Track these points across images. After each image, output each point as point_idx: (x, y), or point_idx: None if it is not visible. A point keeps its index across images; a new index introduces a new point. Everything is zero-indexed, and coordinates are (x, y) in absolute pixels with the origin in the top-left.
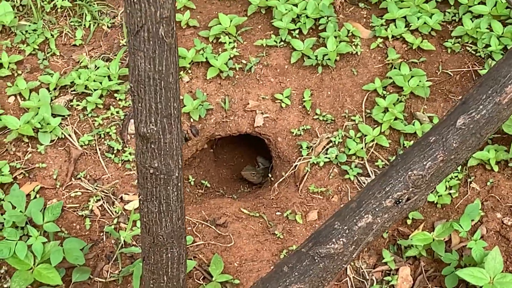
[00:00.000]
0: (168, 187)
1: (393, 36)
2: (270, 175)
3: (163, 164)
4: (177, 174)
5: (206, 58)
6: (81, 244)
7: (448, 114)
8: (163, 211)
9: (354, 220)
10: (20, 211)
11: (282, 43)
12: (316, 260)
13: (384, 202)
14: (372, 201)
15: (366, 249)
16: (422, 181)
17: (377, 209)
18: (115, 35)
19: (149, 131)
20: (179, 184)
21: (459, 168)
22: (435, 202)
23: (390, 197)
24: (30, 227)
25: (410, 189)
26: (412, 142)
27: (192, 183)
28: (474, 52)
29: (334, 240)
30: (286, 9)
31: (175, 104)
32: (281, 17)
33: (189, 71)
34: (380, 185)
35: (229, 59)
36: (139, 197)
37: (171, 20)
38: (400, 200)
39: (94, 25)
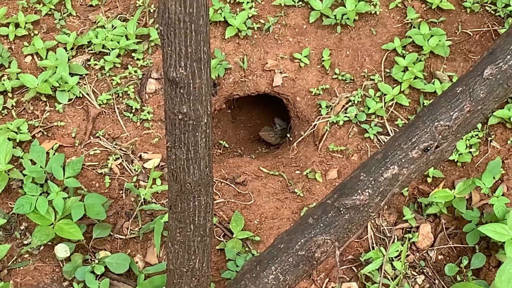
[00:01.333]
0: (197, 134)
1: None
2: (288, 135)
3: (192, 109)
4: (205, 120)
5: (224, 17)
6: (102, 200)
7: (475, 64)
8: (191, 158)
9: (380, 171)
10: (41, 167)
11: (300, 2)
12: (342, 212)
13: (410, 153)
14: (398, 152)
15: (386, 206)
16: (449, 131)
17: (403, 160)
18: None
19: (178, 75)
20: (208, 131)
21: (479, 126)
22: (456, 160)
23: (417, 148)
24: (51, 183)
25: (437, 140)
26: (431, 101)
27: None
28: (493, 12)
29: (359, 191)
30: None
31: (205, 48)
32: None
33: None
34: (407, 136)
35: (247, 19)
36: (166, 144)
37: None
38: (429, 148)
39: None
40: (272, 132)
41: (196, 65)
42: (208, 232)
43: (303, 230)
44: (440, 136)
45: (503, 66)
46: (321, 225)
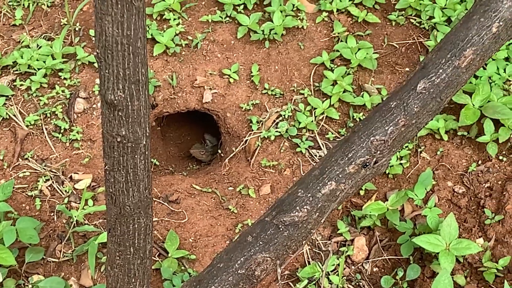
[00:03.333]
0: (136, 156)
1: (337, 10)
2: (219, 151)
3: (131, 132)
4: (144, 142)
5: (152, 34)
6: (34, 223)
7: (408, 79)
8: (130, 181)
9: (318, 187)
10: None
11: (227, 18)
12: (281, 229)
13: (347, 168)
14: (335, 168)
15: None
16: (385, 146)
17: (340, 176)
18: (55, 14)
19: (116, 98)
20: (147, 153)
21: None
22: (387, 172)
23: (353, 163)
24: None
25: (373, 155)
26: (361, 114)
27: None
28: (418, 24)
29: (298, 208)
30: None
31: (143, 70)
32: None
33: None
34: (343, 152)
35: (175, 35)
36: (104, 166)
37: None
38: (367, 164)
39: (33, 5)
40: (203, 149)
41: (134, 87)
42: (148, 254)
43: (242, 249)
44: (377, 151)
45: (435, 80)
46: (260, 243)
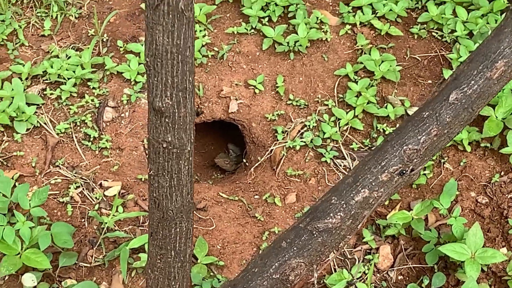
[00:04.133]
0: (180, 161)
1: (361, 23)
2: (244, 161)
3: (177, 138)
4: (189, 148)
5: None
6: (69, 228)
7: (440, 89)
8: (174, 185)
9: (351, 195)
10: (5, 197)
11: (252, 30)
12: (315, 235)
13: (380, 176)
14: (368, 176)
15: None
16: (417, 155)
17: (373, 184)
18: (82, 25)
19: (164, 105)
20: (190, 159)
21: None
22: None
23: (386, 171)
24: (17, 212)
25: (405, 163)
26: (385, 125)
27: None
28: (440, 38)
29: (331, 214)
30: None
31: (190, 78)
32: (250, 5)
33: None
34: (376, 160)
35: (201, 47)
36: (149, 172)
37: None
38: (404, 172)
39: (61, 16)
40: (227, 159)
41: (182, 95)
42: (188, 258)
43: (276, 254)
44: (409, 160)
45: (467, 91)
46: (295, 248)
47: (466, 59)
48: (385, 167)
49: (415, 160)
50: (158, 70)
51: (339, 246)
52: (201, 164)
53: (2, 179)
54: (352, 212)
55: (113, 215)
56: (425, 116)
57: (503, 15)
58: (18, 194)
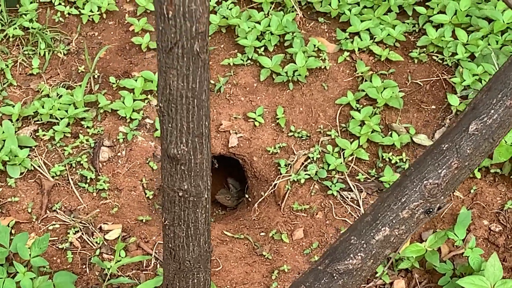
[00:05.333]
0: (197, 210)
1: (359, 49)
2: (247, 196)
3: (193, 186)
4: (206, 196)
5: None
6: (72, 278)
7: (458, 120)
8: (191, 235)
9: (371, 234)
10: (3, 247)
11: (248, 61)
12: (335, 277)
13: (401, 213)
14: (388, 213)
15: None
16: (438, 189)
17: (394, 221)
18: (72, 62)
19: (179, 152)
20: (208, 206)
21: None
22: None
23: (407, 207)
24: (17, 263)
25: (426, 199)
26: (390, 153)
27: None
28: (441, 61)
29: (352, 255)
30: (249, 27)
31: (206, 123)
32: (245, 35)
33: (157, 94)
34: (395, 196)
35: None
36: (164, 222)
37: (206, 35)
38: (431, 210)
39: (49, 53)
40: (228, 195)
41: (198, 141)
42: None
43: None
44: (430, 195)
45: (487, 120)
46: None
47: (484, 87)
48: (406, 204)
49: (437, 194)
50: (173, 115)
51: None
52: None
53: (0, 229)
54: (373, 252)
55: (116, 260)
56: (444, 148)
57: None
58: (17, 244)
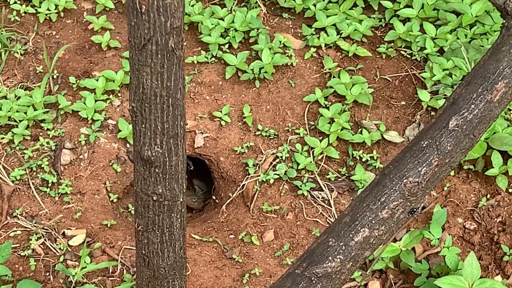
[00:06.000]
0: (172, 214)
1: (326, 45)
2: (214, 197)
3: (168, 189)
4: (181, 199)
5: None
6: (36, 286)
7: (437, 116)
8: (166, 241)
9: (350, 235)
10: None
11: (213, 58)
12: (313, 281)
13: (380, 213)
14: (367, 214)
15: None
16: (419, 188)
17: (373, 222)
18: (29, 62)
19: (154, 154)
20: (183, 210)
21: None
22: None
23: (387, 207)
24: None
25: (407, 198)
26: (361, 151)
27: (133, 212)
28: (409, 56)
29: (330, 258)
30: (212, 24)
31: (181, 123)
32: (208, 32)
33: (119, 94)
34: (374, 196)
35: None
36: (137, 227)
37: (181, 30)
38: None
39: (5, 53)
40: (194, 197)
41: (173, 142)
42: None
43: None
44: (410, 194)
45: (468, 116)
46: None
47: (463, 82)
48: (385, 203)
49: (417, 193)
50: (146, 116)
51: None
52: None
53: None
54: (353, 254)
55: (82, 267)
56: (424, 145)
57: (496, 37)
58: None
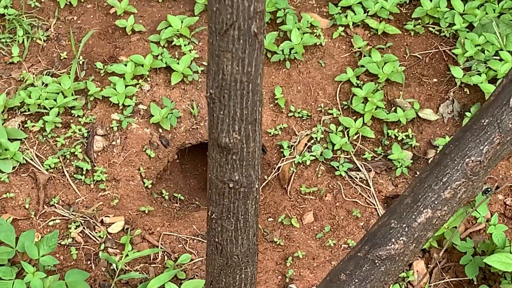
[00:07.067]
0: (248, 201)
1: (354, 23)
2: None
3: (245, 176)
4: (257, 186)
5: (166, 63)
6: (84, 275)
7: (496, 93)
8: (240, 228)
9: (413, 216)
10: (9, 247)
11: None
12: (377, 264)
13: (443, 193)
14: (429, 194)
15: None
16: (480, 167)
17: (436, 202)
18: (52, 48)
19: (232, 140)
20: (257, 197)
21: None
22: None
23: (449, 187)
24: (25, 263)
25: (469, 177)
26: (396, 130)
27: (167, 197)
28: (438, 33)
29: (393, 240)
30: None
31: (260, 108)
32: None
33: (148, 79)
34: (436, 176)
35: (191, 62)
36: (211, 215)
37: (264, 14)
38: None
39: (27, 40)
40: None
41: (251, 128)
42: None
43: None
44: (473, 173)
45: None
46: (356, 280)
47: None
48: (447, 183)
49: (479, 172)
50: (225, 102)
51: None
52: (197, 187)
53: (4, 227)
54: (416, 235)
55: (125, 255)
56: (485, 123)
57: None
58: (24, 243)
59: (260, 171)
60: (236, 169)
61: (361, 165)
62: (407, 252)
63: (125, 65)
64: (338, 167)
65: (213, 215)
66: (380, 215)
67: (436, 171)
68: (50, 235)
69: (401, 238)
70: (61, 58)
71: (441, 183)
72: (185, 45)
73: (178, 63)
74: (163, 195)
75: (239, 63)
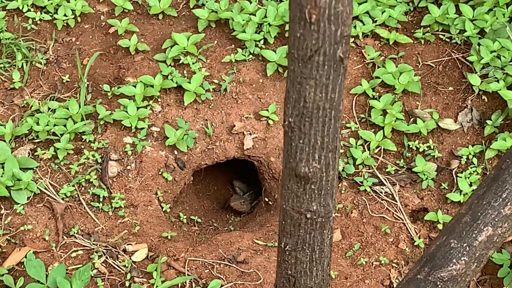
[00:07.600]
0: (324, 231)
1: (363, 33)
2: (266, 199)
3: (322, 205)
4: (333, 215)
5: (177, 82)
6: None
7: None
8: (315, 259)
9: (473, 235)
10: (40, 283)
11: (250, 56)
12: (439, 286)
13: (503, 210)
14: (489, 211)
15: (406, 260)
16: None
17: (496, 219)
18: (53, 71)
19: (311, 170)
20: (332, 225)
21: (475, 161)
22: (461, 201)
23: (509, 203)
24: None
25: None
26: (416, 142)
27: (185, 220)
28: (448, 40)
29: (454, 260)
30: (243, 19)
31: (339, 135)
32: (242, 28)
33: (159, 100)
34: (494, 192)
35: (203, 81)
36: (284, 247)
37: (349, 38)
38: None
39: (27, 64)
40: (242, 200)
41: (331, 156)
42: None
43: None
44: None
45: None
46: None
47: None
48: (507, 199)
49: None
50: (306, 131)
51: None
52: (211, 208)
53: (34, 263)
54: (477, 254)
55: (156, 285)
56: None
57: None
58: (56, 279)
59: (336, 200)
60: (314, 199)
61: (385, 179)
62: (469, 272)
63: (134, 86)
64: (362, 182)
65: (287, 246)
66: (411, 231)
67: (494, 187)
68: (83, 268)
69: (462, 258)
70: (64, 81)
71: (501, 200)
72: (193, 63)
73: (189, 82)
74: (181, 218)
75: (323, 89)
